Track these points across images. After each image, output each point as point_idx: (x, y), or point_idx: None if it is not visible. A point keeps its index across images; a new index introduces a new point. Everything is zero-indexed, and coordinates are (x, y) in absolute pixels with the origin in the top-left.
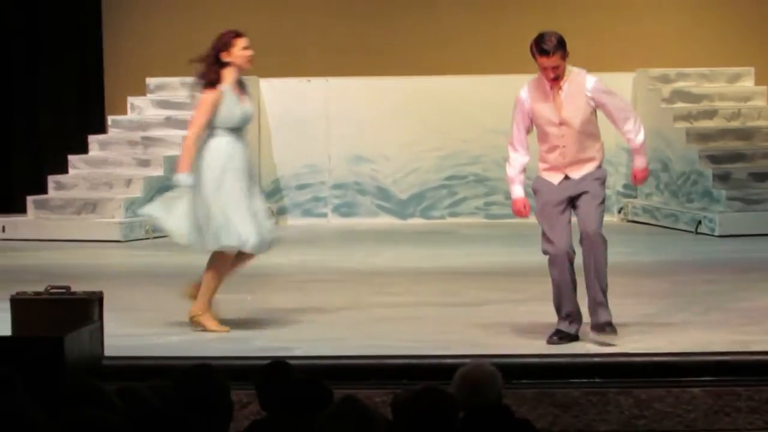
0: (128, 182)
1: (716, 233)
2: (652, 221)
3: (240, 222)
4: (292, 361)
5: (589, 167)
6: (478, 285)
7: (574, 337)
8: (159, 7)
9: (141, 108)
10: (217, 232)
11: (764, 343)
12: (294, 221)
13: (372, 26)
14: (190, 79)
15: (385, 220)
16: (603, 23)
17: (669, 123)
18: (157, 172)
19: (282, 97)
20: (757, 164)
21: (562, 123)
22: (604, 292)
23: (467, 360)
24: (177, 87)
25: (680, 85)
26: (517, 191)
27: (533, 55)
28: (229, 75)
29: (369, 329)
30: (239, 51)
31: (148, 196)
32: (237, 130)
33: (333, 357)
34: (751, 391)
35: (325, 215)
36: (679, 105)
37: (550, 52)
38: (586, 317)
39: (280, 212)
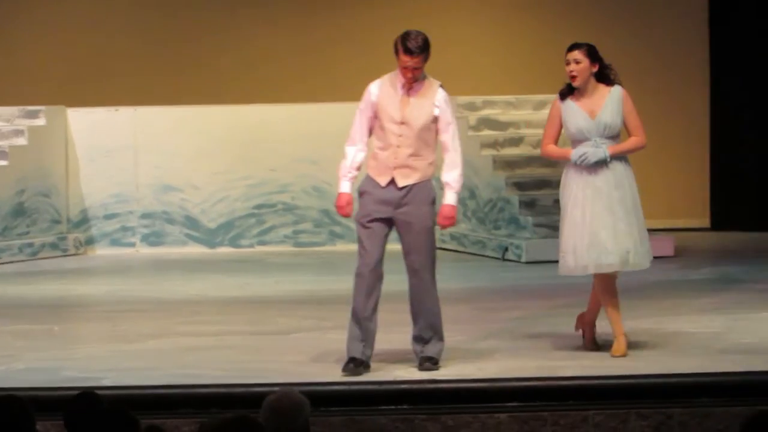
0: None
1: (523, 260)
2: (460, 248)
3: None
4: (100, 392)
5: (415, 176)
6: (287, 313)
7: (367, 365)
8: None
9: None
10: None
11: (570, 369)
12: (102, 251)
13: (179, 53)
14: None
15: (194, 249)
16: None
17: (476, 150)
18: None
19: (89, 126)
20: None
21: (402, 122)
22: (433, 328)
23: (276, 388)
24: None
25: (487, 112)
26: (344, 186)
27: (396, 51)
28: None
29: (178, 358)
30: None
31: None
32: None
33: (141, 387)
34: (557, 416)
35: (133, 245)
36: (486, 132)
37: (414, 52)
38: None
39: (88, 242)
